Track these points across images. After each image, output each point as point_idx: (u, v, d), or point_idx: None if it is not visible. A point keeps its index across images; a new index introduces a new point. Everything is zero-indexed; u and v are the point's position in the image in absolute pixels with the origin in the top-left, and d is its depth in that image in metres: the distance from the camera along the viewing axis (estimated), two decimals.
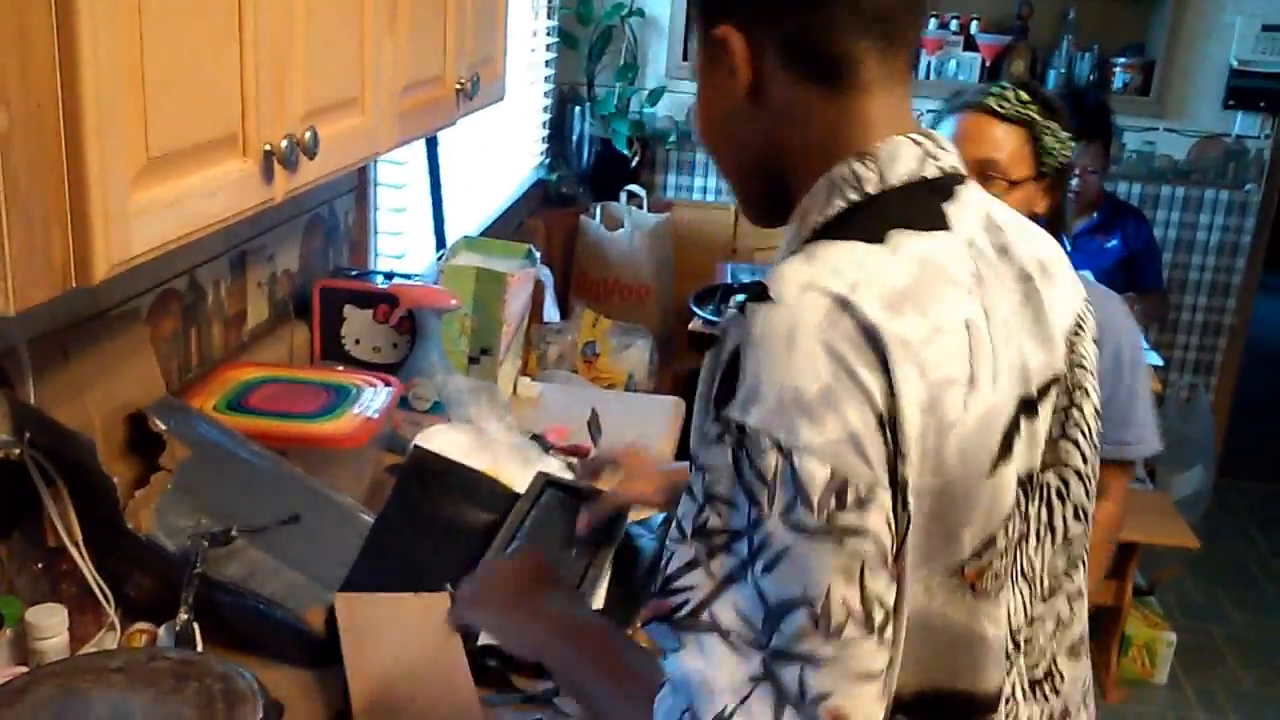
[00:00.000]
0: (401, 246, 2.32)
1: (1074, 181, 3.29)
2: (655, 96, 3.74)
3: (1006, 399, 0.76)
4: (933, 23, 3.65)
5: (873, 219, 0.78)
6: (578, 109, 3.69)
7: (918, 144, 0.81)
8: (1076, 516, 0.87)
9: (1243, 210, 3.74)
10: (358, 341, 1.90)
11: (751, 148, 0.85)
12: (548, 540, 1.45)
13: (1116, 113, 3.38)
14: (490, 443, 1.63)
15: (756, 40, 0.81)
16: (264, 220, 1.73)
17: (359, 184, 2.13)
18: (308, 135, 1.10)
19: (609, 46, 3.70)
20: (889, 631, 0.70)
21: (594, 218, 3.56)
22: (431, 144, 2.39)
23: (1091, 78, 3.67)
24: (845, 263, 0.74)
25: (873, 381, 0.69)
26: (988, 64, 3.67)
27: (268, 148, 1.05)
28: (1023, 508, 0.80)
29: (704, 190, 3.93)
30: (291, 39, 1.08)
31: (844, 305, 0.70)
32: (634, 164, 3.70)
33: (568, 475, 1.61)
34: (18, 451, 1.18)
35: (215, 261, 1.62)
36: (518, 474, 1.58)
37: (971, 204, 0.82)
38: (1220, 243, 3.78)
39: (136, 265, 0.88)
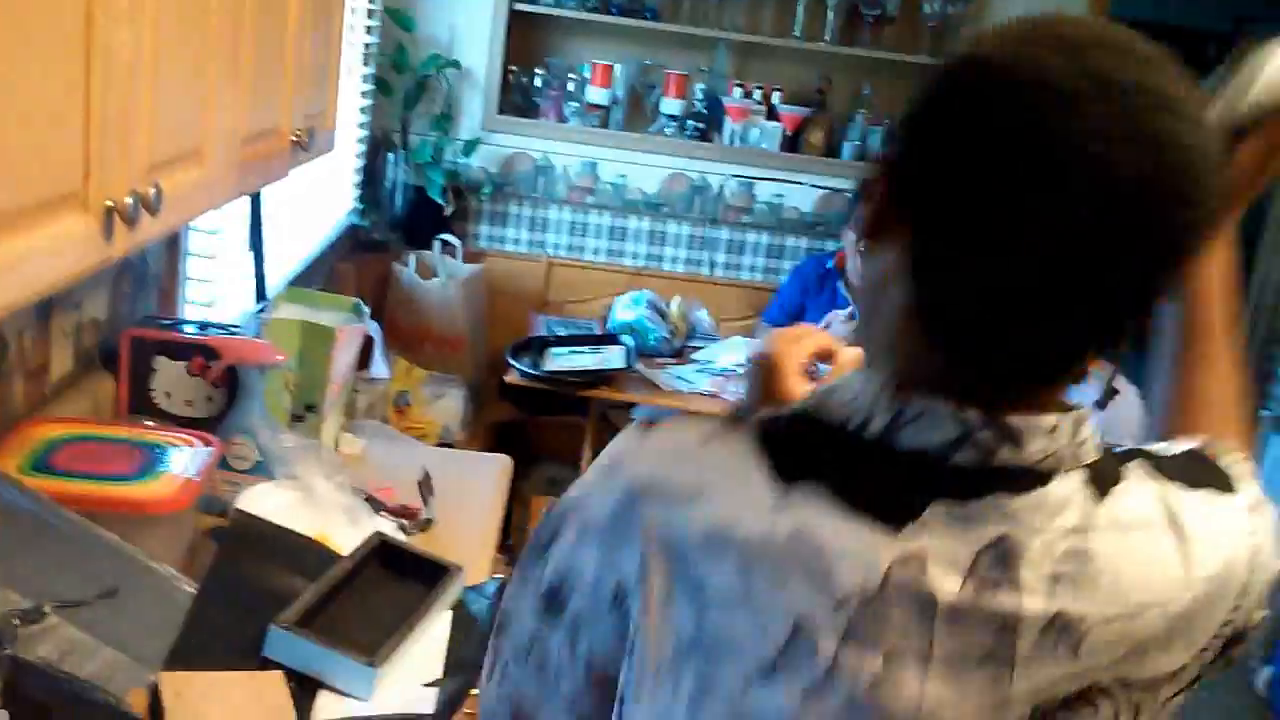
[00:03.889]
0: (212, 294, 2.23)
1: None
2: (470, 147, 3.73)
3: None
4: (738, 92, 3.80)
5: (827, 454, 0.67)
6: (391, 155, 3.64)
7: (962, 424, 0.65)
8: None
9: None
10: (168, 395, 1.80)
11: (858, 293, 0.77)
12: (371, 603, 1.41)
13: None
14: (317, 503, 1.58)
15: (895, 195, 0.68)
16: None
17: None
18: (152, 191, 1.06)
19: (424, 95, 3.68)
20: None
21: (407, 265, 3.51)
22: (254, 193, 2.31)
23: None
24: (712, 475, 0.67)
25: (629, 571, 0.68)
26: (789, 133, 3.85)
27: (109, 204, 1.00)
28: None
29: (517, 242, 3.94)
30: (137, 89, 1.04)
31: (645, 500, 0.68)
32: (449, 213, 3.68)
33: (400, 537, 1.57)
34: None
35: (20, 310, 1.51)
36: (347, 536, 1.54)
37: (995, 520, 0.65)
38: None
39: None
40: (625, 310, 3.40)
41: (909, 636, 0.64)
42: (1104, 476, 0.68)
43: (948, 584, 0.64)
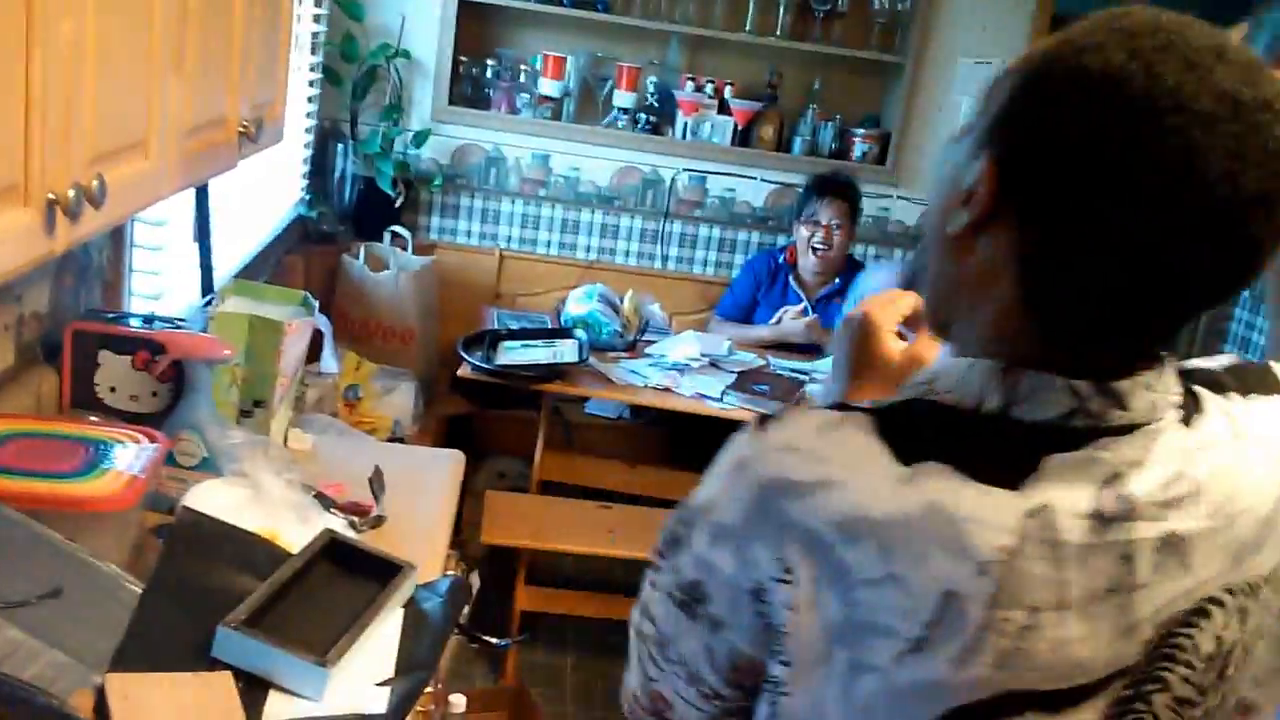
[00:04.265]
0: (158, 287, 2.19)
1: (818, 235, 3.50)
2: (420, 138, 3.70)
3: (974, 688, 0.68)
4: (690, 85, 3.81)
5: (945, 439, 0.70)
6: (340, 146, 3.60)
7: (1076, 395, 0.70)
8: None
9: None
10: (113, 389, 1.77)
11: (947, 279, 0.78)
12: (321, 602, 1.40)
13: (857, 180, 3.64)
14: (266, 501, 1.55)
15: (1006, 191, 0.71)
16: None
17: None
18: (95, 183, 1.03)
19: (374, 86, 3.64)
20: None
21: (357, 257, 3.47)
22: (201, 185, 2.28)
23: (834, 145, 3.92)
24: (839, 461, 0.70)
25: (767, 566, 0.71)
26: (740, 128, 3.85)
27: (51, 196, 0.98)
28: None
29: (469, 234, 3.92)
30: (79, 80, 1.01)
31: (783, 494, 0.70)
32: (398, 205, 3.64)
33: (351, 534, 1.56)
34: None
35: None
36: (296, 534, 1.52)
37: (1104, 465, 0.70)
38: None
39: None
40: (578, 304, 3.39)
41: (1048, 585, 0.67)
42: (1187, 407, 0.74)
43: (1074, 527, 0.68)
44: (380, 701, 1.29)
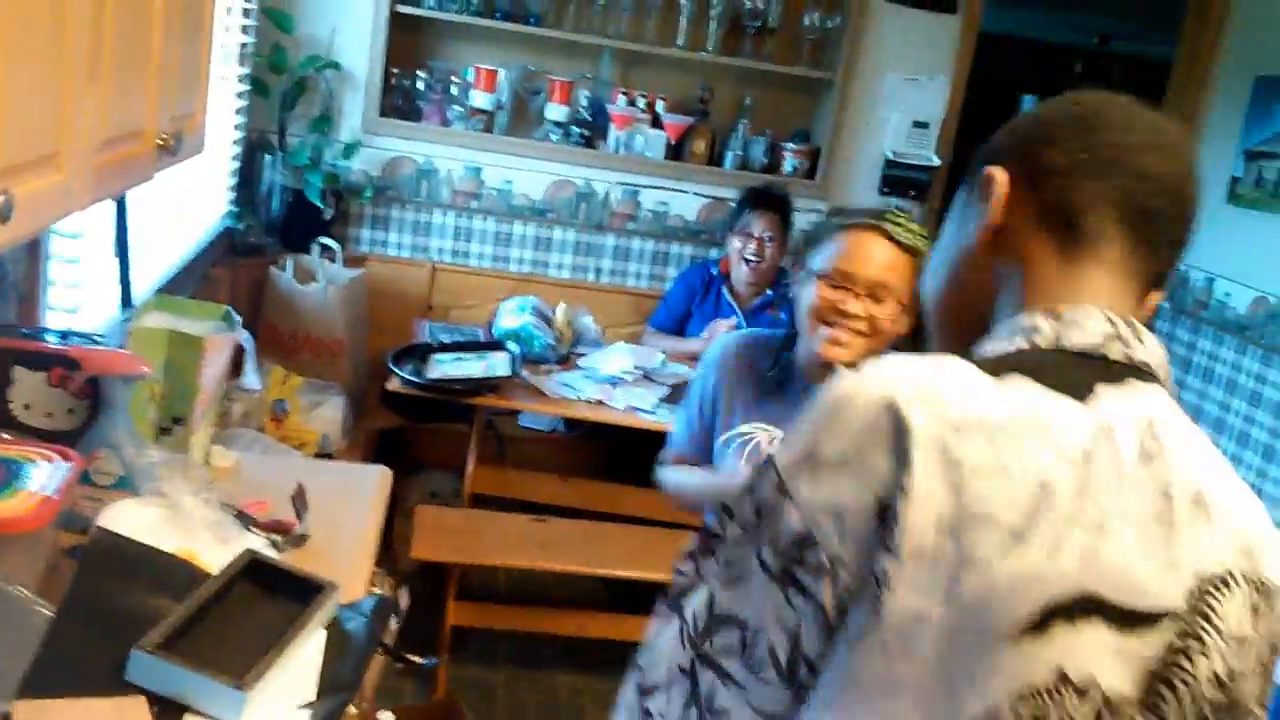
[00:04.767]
0: (76, 300, 2.14)
1: (750, 247, 3.52)
2: (351, 150, 3.66)
3: (1062, 580, 0.73)
4: (622, 99, 3.82)
5: (1017, 364, 0.80)
6: (268, 157, 3.55)
7: (1111, 323, 0.83)
8: None
9: None
10: (27, 407, 1.72)
11: (970, 287, 0.91)
12: (241, 623, 1.37)
13: (789, 194, 3.67)
14: (184, 520, 1.52)
15: (1019, 190, 0.87)
16: None
17: None
18: (3, 199, 1.01)
19: (303, 97, 3.60)
20: (808, 691, 0.76)
21: (284, 270, 3.43)
22: (120, 197, 2.23)
23: (765, 160, 3.96)
24: (940, 376, 0.78)
25: (885, 470, 0.74)
26: (672, 142, 3.87)
27: None
28: None
29: (400, 247, 3.89)
30: None
31: (902, 402, 0.75)
32: (328, 217, 3.60)
33: (273, 554, 1.53)
34: None
35: None
36: (216, 554, 1.49)
37: (1139, 403, 0.80)
38: None
39: None
40: (510, 316, 3.38)
41: (1115, 494, 0.75)
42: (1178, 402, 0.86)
43: (1127, 448, 0.77)
44: None
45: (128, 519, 1.50)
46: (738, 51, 3.84)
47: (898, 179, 4.02)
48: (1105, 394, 0.79)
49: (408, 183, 3.84)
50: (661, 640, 0.81)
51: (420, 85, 3.76)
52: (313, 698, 1.32)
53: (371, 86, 3.70)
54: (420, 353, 3.11)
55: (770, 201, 3.57)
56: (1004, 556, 0.72)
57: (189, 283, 2.93)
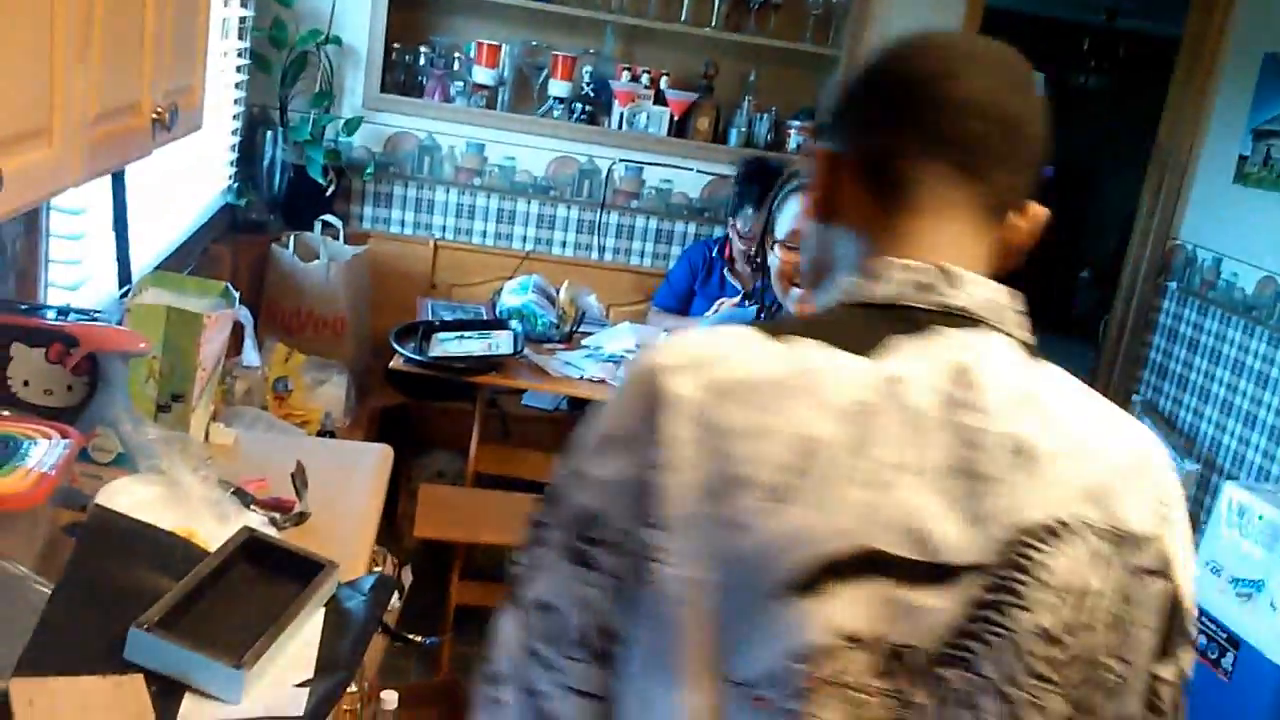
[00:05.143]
0: (77, 277, 2.12)
1: (752, 248, 3.50)
2: (352, 126, 3.64)
3: (834, 537, 0.72)
4: (625, 75, 3.79)
5: (808, 326, 0.79)
6: (270, 133, 3.53)
7: (911, 271, 0.80)
8: None
9: None
10: (26, 383, 1.71)
11: (819, 257, 0.90)
12: (239, 602, 1.36)
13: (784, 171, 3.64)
14: (183, 498, 1.52)
15: (835, 156, 0.86)
16: None
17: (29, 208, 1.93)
18: None
19: (304, 72, 3.57)
20: (618, 664, 0.76)
21: (287, 247, 3.41)
22: (118, 171, 2.21)
23: (769, 137, 3.93)
24: (715, 344, 0.78)
25: (650, 442, 0.74)
26: (676, 118, 3.84)
27: None
28: (900, 691, 0.73)
29: (402, 224, 3.87)
30: None
31: (663, 373, 0.76)
32: (330, 194, 3.58)
33: (272, 532, 1.52)
34: None
35: None
36: (215, 532, 1.48)
37: (947, 351, 0.77)
38: None
39: None
40: (513, 295, 3.37)
41: (901, 446, 0.73)
42: (1034, 350, 0.82)
43: (925, 400, 0.75)
44: (299, 703, 1.26)
45: (126, 496, 1.49)
46: (742, 27, 3.81)
47: None
48: (900, 345, 0.77)
49: (410, 159, 3.81)
50: (503, 631, 0.81)
51: (422, 60, 3.73)
52: (310, 676, 1.31)
53: (373, 62, 3.67)
54: (423, 331, 3.10)
55: (765, 199, 3.53)
56: (767, 517, 0.72)
57: (190, 260, 2.92)
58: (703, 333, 0.80)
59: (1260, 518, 3.20)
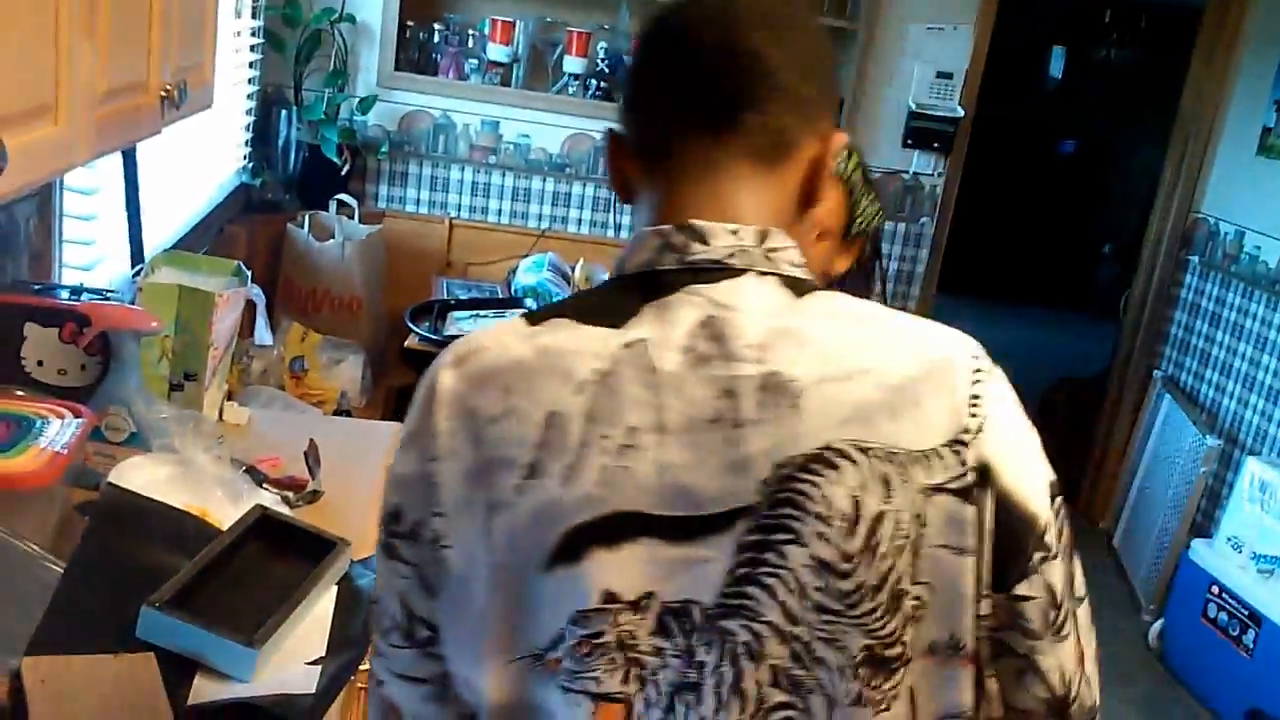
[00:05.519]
0: (90, 257, 2.12)
1: None
2: (367, 105, 3.63)
3: (586, 505, 0.73)
4: None
5: (567, 307, 0.82)
6: (284, 113, 3.52)
7: (661, 235, 0.80)
8: (781, 686, 0.74)
9: (919, 241, 4.09)
10: (40, 363, 1.72)
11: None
12: (252, 580, 1.37)
13: None
14: (196, 476, 1.52)
15: (621, 141, 0.87)
16: None
17: (42, 188, 1.93)
18: None
19: (318, 50, 3.56)
20: (436, 648, 0.79)
21: (302, 226, 3.41)
22: (129, 150, 2.21)
23: None
24: (484, 336, 0.80)
25: (428, 435, 0.78)
26: None
27: None
28: (684, 648, 0.73)
29: (417, 202, 3.86)
30: None
31: (439, 370, 0.79)
32: (345, 173, 3.58)
33: (285, 510, 1.52)
34: None
35: None
36: (228, 511, 1.49)
37: (694, 307, 0.77)
38: (898, 271, 4.11)
39: None
40: (527, 274, 3.36)
41: (645, 408, 0.74)
42: (804, 284, 0.81)
43: (668, 358, 0.76)
44: (311, 681, 1.26)
45: (139, 475, 1.50)
46: None
47: (921, 130, 3.94)
48: (648, 311, 0.78)
49: (424, 137, 3.80)
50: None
51: (436, 38, 3.71)
52: (323, 654, 1.31)
53: (387, 39, 3.65)
54: (438, 310, 3.09)
55: None
56: (522, 494, 0.74)
57: (205, 239, 2.92)
58: (486, 328, 0.83)
59: None
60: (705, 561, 0.73)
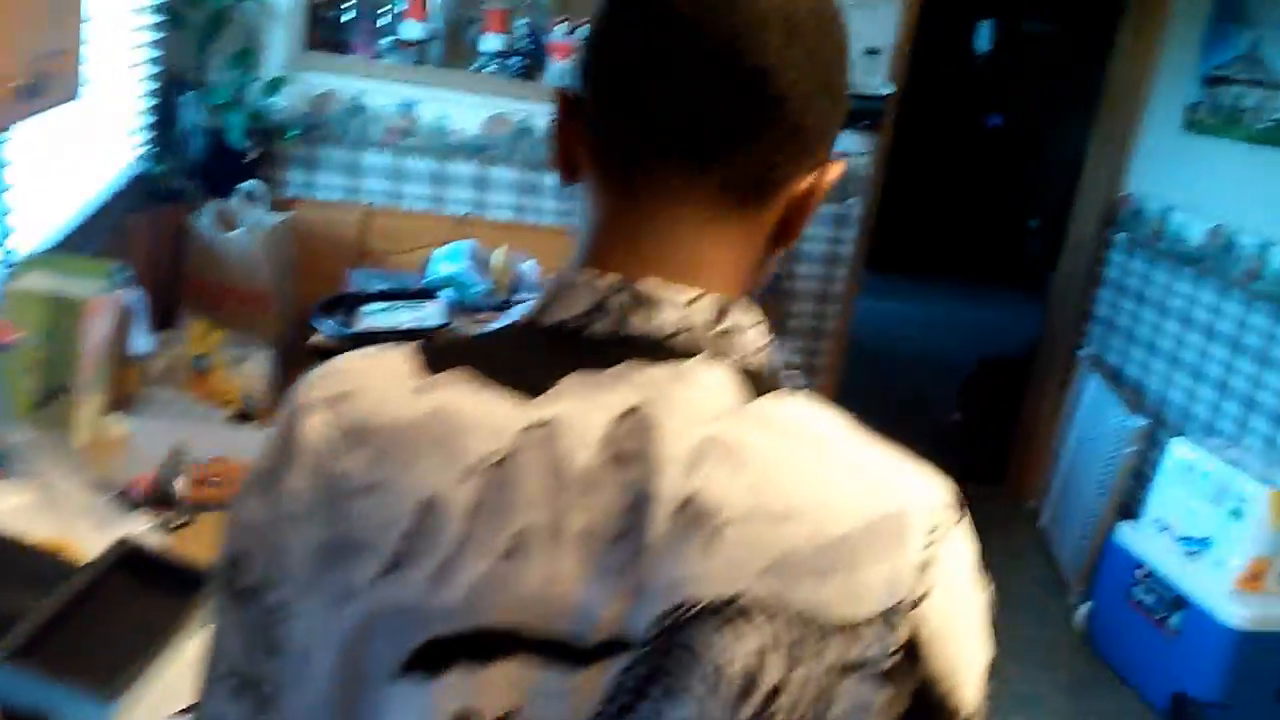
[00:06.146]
0: None
1: None
2: (274, 86, 3.47)
3: (453, 614, 0.62)
4: (562, 27, 3.65)
5: (476, 348, 0.68)
6: (187, 96, 3.35)
7: (596, 292, 0.66)
8: None
9: (844, 223, 4.04)
10: None
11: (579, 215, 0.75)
12: (115, 621, 1.26)
13: None
14: (58, 505, 1.40)
15: (575, 106, 0.70)
16: None
17: None
18: None
19: (223, 30, 3.40)
20: (259, 705, 0.68)
21: (205, 216, 3.26)
22: None
23: None
24: (365, 371, 0.67)
25: (279, 486, 0.66)
26: None
27: None
28: None
29: (330, 188, 3.72)
30: None
31: (301, 409, 0.67)
32: (252, 159, 3.42)
33: (159, 538, 1.41)
34: None
35: None
36: (92, 542, 1.37)
37: (626, 388, 0.63)
38: (824, 253, 4.05)
39: None
40: (445, 263, 3.24)
41: (539, 508, 0.62)
42: (761, 380, 0.67)
43: (580, 452, 0.62)
44: None
45: None
46: None
47: (850, 110, 3.88)
48: (569, 383, 0.64)
49: (337, 120, 3.66)
50: None
51: (348, 15, 3.57)
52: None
53: (296, 17, 3.50)
54: (349, 303, 2.97)
55: None
56: (380, 589, 0.62)
57: (100, 233, 2.76)
58: (360, 355, 0.69)
59: (1207, 474, 3.17)
60: (574, 692, 0.61)
